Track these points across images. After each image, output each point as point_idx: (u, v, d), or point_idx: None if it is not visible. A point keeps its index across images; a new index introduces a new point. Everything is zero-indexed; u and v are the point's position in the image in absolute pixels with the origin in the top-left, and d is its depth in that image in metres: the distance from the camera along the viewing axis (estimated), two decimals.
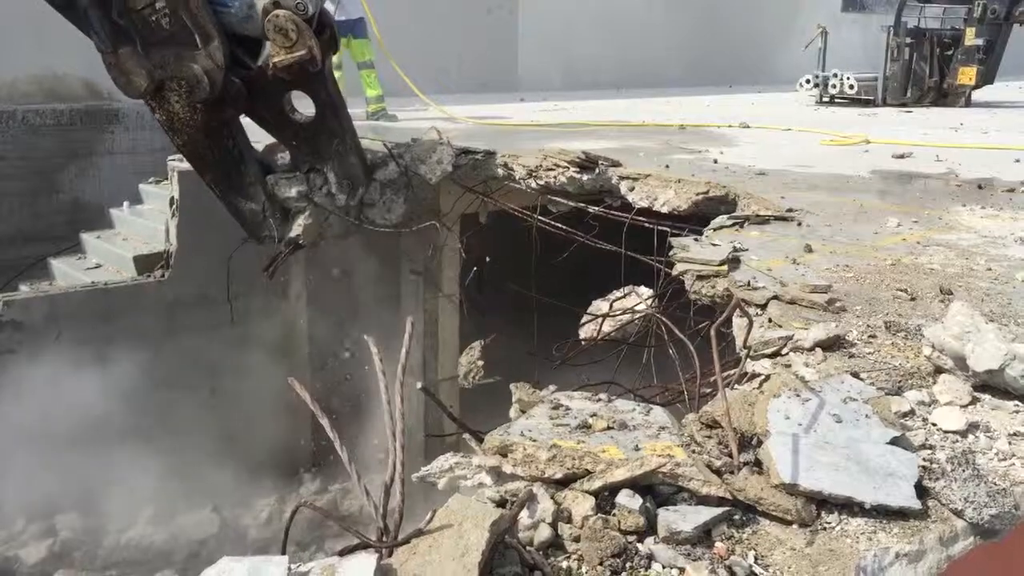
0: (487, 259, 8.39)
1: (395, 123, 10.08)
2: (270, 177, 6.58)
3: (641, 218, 6.45)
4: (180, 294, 8.13)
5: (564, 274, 7.20)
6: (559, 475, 2.30)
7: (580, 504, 2.17)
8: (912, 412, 2.76)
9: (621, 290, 5.57)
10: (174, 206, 8.03)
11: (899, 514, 2.20)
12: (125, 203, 9.62)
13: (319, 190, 6.63)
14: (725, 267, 4.36)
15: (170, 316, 8.13)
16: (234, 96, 5.81)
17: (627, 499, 2.18)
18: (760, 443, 2.42)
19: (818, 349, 3.21)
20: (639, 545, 2.09)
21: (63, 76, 10.07)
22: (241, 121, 6.32)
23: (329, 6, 9.63)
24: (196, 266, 7.99)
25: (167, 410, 8.11)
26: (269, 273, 7.42)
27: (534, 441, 2.42)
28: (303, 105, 6.27)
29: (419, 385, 2.89)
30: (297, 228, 6.78)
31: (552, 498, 2.20)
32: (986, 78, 13.57)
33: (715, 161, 7.55)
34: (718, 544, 2.10)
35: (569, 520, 2.15)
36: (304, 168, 6.55)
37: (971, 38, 13.31)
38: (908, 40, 13.42)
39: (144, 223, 9.18)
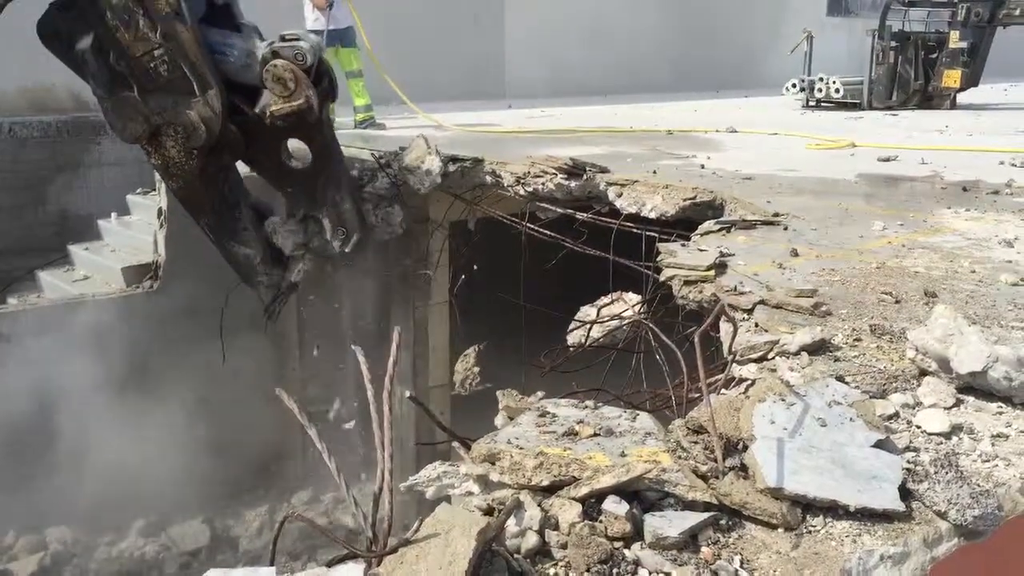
0: (475, 267, 8.41)
1: (383, 132, 10.09)
2: (268, 223, 6.59)
3: (629, 224, 6.47)
4: (169, 305, 8.12)
5: (553, 281, 7.21)
6: (546, 482, 2.31)
7: (567, 511, 2.18)
8: (896, 415, 2.78)
9: (609, 296, 5.59)
10: (162, 217, 8.03)
11: (883, 516, 2.22)
12: (113, 214, 9.61)
13: (316, 237, 6.63)
14: (712, 272, 4.38)
15: (159, 327, 8.12)
16: (231, 143, 5.85)
17: (614, 505, 2.18)
18: (746, 448, 2.44)
19: (804, 353, 3.23)
20: (626, 551, 2.10)
21: (50, 88, 10.06)
22: (236, 167, 6.35)
23: (319, 17, 9.69)
24: (185, 277, 7.99)
25: (156, 420, 8.08)
26: (269, 316, 7.40)
27: (521, 449, 2.43)
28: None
29: (408, 394, 2.90)
30: (297, 275, 6.80)
31: (539, 505, 2.21)
32: (971, 81, 13.65)
33: (702, 166, 7.59)
34: (704, 549, 2.12)
35: (556, 527, 2.16)
36: (299, 214, 6.56)
37: (955, 41, 13.39)
38: (893, 44, 13.50)
39: (132, 234, 9.17)
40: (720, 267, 4.43)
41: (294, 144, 6.25)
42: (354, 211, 6.56)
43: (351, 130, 9.94)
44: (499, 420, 3.14)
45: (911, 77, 13.58)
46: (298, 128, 5.90)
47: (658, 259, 4.76)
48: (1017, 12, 13.18)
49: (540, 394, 3.34)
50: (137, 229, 9.22)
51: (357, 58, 10.11)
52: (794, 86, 14.42)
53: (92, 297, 8.16)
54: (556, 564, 2.07)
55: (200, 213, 6.26)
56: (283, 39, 5.73)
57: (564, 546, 2.10)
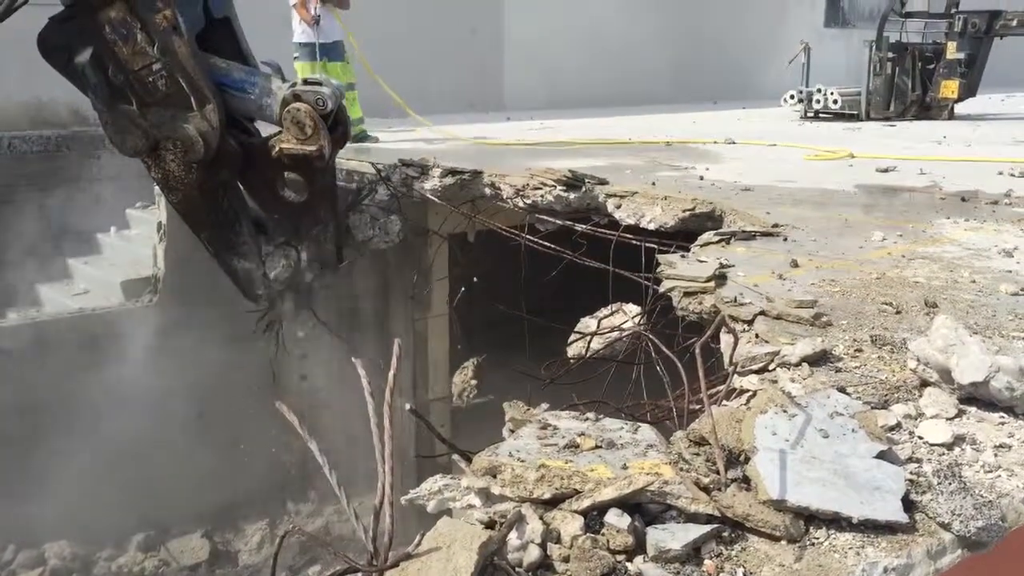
0: (475, 279, 8.41)
1: (376, 144, 10.07)
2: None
3: (628, 235, 6.48)
4: (168, 319, 8.12)
5: (553, 292, 7.21)
6: (547, 495, 2.30)
7: (569, 524, 2.17)
8: (898, 426, 2.78)
9: (609, 307, 5.59)
10: (161, 231, 8.04)
11: (887, 528, 2.21)
12: (112, 228, 9.62)
13: (286, 267, 6.66)
14: (712, 283, 4.38)
15: (158, 341, 8.11)
16: (230, 157, 5.88)
17: (616, 518, 2.18)
18: (748, 460, 2.43)
19: (804, 364, 3.22)
20: (628, 564, 2.09)
21: (48, 102, 10.08)
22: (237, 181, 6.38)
23: (306, 30, 9.69)
24: (184, 291, 7.98)
25: (156, 434, 8.07)
26: (264, 329, 7.40)
27: (522, 462, 2.42)
28: None
29: (408, 407, 2.89)
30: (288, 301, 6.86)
31: (541, 518, 2.20)
32: (968, 91, 13.69)
33: (701, 178, 7.60)
34: (707, 562, 2.11)
35: (558, 540, 2.15)
36: (278, 240, 6.56)
37: (953, 52, 13.44)
38: (890, 55, 13.54)
39: (132, 248, 9.18)
40: (720, 278, 4.43)
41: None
42: (335, 252, 6.60)
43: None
44: (506, 431, 3.14)
45: (909, 88, 13.62)
46: (303, 167, 5.94)
47: (658, 270, 4.76)
48: (1014, 23, 13.24)
49: (545, 406, 3.33)
50: (137, 243, 9.22)
51: (347, 71, 10.09)
52: (792, 97, 14.45)
53: (92, 311, 8.16)
54: None
55: (200, 227, 6.29)
56: (306, 83, 5.80)
57: (566, 559, 2.09)
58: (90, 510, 7.84)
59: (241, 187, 6.33)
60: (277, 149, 5.77)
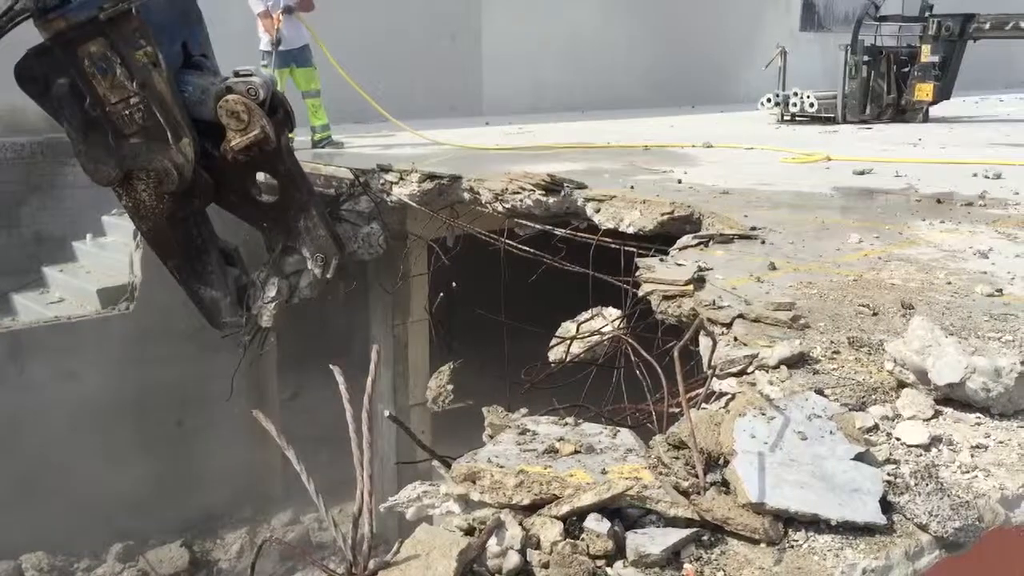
0: (454, 284, 8.39)
1: (341, 150, 10.03)
2: (253, 282, 6.66)
3: (607, 239, 6.48)
4: (145, 326, 8.06)
5: (533, 297, 7.20)
6: (527, 501, 2.29)
7: (548, 530, 2.17)
8: (876, 427, 2.79)
9: (588, 312, 5.59)
10: (138, 238, 7.97)
11: (865, 530, 2.22)
12: (88, 236, 9.53)
13: (291, 275, 6.71)
14: (691, 287, 4.39)
15: (136, 348, 8.05)
16: (202, 188, 5.94)
17: (595, 523, 2.17)
18: (727, 463, 2.43)
19: (783, 367, 3.23)
20: (608, 569, 2.08)
21: (23, 109, 9.96)
22: (207, 211, 6.38)
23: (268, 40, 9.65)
24: (161, 298, 7.92)
25: (134, 443, 8.01)
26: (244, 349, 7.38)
27: (501, 467, 2.41)
28: None
29: (387, 413, 2.88)
30: (267, 321, 6.85)
31: (520, 524, 2.19)
32: (943, 94, 13.80)
33: (679, 181, 7.62)
34: (687, 566, 2.10)
35: (538, 546, 2.14)
36: (278, 247, 6.62)
37: (927, 55, 13.54)
38: (866, 58, 13.64)
39: (108, 255, 9.10)
40: (698, 281, 4.44)
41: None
42: (328, 235, 6.62)
43: (308, 149, 9.82)
44: (485, 437, 3.13)
45: (884, 91, 13.72)
46: (260, 161, 5.99)
47: (637, 274, 4.76)
48: (987, 27, 13.36)
49: (524, 411, 3.32)
50: (112, 250, 9.14)
51: (314, 78, 10.04)
52: (769, 100, 14.52)
53: (67, 319, 8.08)
54: None
55: (168, 255, 6.36)
56: (236, 74, 5.84)
57: (546, 565, 2.09)
58: (67, 520, 7.76)
59: (225, 209, 6.36)
60: (229, 150, 5.79)
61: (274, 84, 6.05)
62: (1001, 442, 2.72)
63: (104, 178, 5.84)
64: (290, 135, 6.54)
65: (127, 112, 5.58)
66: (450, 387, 7.63)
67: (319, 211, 6.59)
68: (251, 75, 5.81)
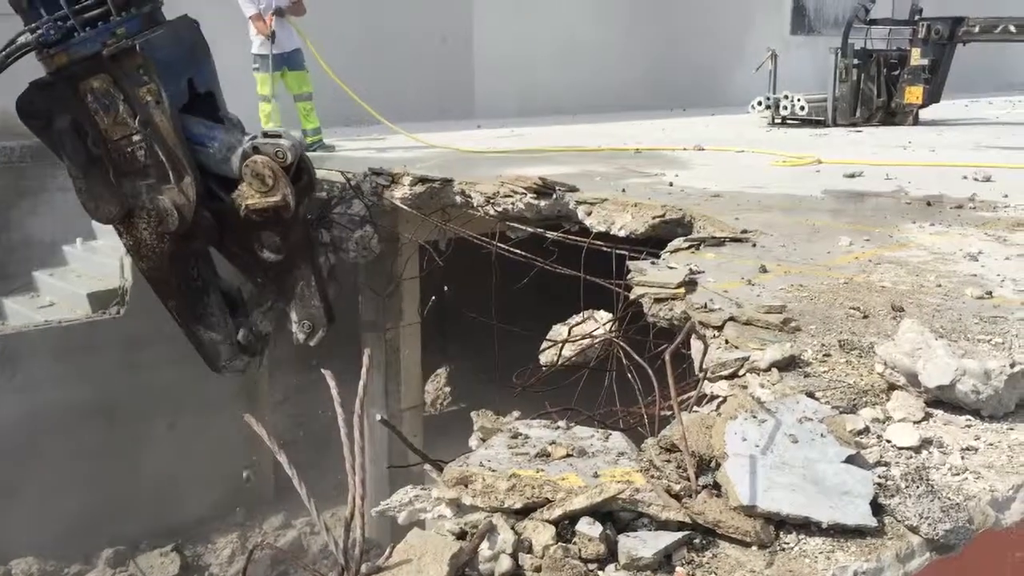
0: (446, 288, 8.39)
1: (333, 153, 10.03)
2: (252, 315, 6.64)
3: (599, 242, 6.49)
4: (136, 330, 8.03)
5: (525, 300, 7.21)
6: (519, 505, 2.29)
7: (540, 533, 2.17)
8: (867, 430, 2.80)
9: (580, 315, 5.59)
10: None
11: (856, 532, 2.22)
12: (78, 239, 9.49)
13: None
14: (682, 290, 4.39)
15: (127, 353, 8.02)
16: (204, 229, 5.85)
17: (587, 527, 2.17)
18: (718, 466, 2.44)
19: (774, 369, 3.24)
20: (600, 573, 2.09)
21: (12, 113, 9.92)
22: (209, 252, 6.33)
23: (264, 41, 9.64)
24: (152, 301, 7.89)
25: (124, 447, 7.98)
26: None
27: (493, 471, 2.41)
28: None
29: (379, 417, 2.87)
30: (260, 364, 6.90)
31: (512, 528, 2.19)
32: (932, 97, 13.86)
33: (671, 184, 7.63)
34: (679, 569, 2.11)
35: (530, 550, 2.14)
36: (267, 304, 6.55)
37: (916, 58, 13.60)
38: (856, 61, 13.69)
39: (98, 259, 9.07)
40: (690, 284, 4.45)
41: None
42: (322, 308, 6.52)
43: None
44: (474, 441, 3.13)
45: (874, 94, 13.78)
46: (273, 223, 5.90)
47: (628, 277, 4.77)
48: (976, 30, 13.42)
49: (516, 414, 3.32)
50: (103, 254, 9.11)
51: (306, 81, 10.05)
52: (760, 104, 14.57)
53: (58, 323, 8.05)
54: None
55: (168, 296, 6.25)
56: (265, 135, 5.79)
57: (538, 569, 2.09)
58: (57, 525, 7.73)
59: (219, 253, 6.30)
60: (243, 207, 5.72)
61: (302, 148, 5.92)
62: (991, 444, 2.73)
63: (105, 216, 5.78)
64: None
65: (129, 149, 5.51)
66: (447, 389, 7.63)
67: (320, 280, 6.52)
68: (280, 136, 5.74)
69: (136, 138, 5.48)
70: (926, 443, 2.71)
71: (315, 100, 10.17)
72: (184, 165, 5.55)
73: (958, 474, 2.55)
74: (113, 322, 8.12)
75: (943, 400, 2.93)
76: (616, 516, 2.26)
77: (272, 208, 5.71)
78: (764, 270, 4.72)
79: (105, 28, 5.30)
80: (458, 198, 7.58)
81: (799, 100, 13.87)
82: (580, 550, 2.13)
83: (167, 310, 6.32)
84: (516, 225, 7.24)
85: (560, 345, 5.43)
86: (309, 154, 9.67)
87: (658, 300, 4.41)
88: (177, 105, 5.58)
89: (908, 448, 2.68)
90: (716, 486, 2.36)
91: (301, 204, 5.93)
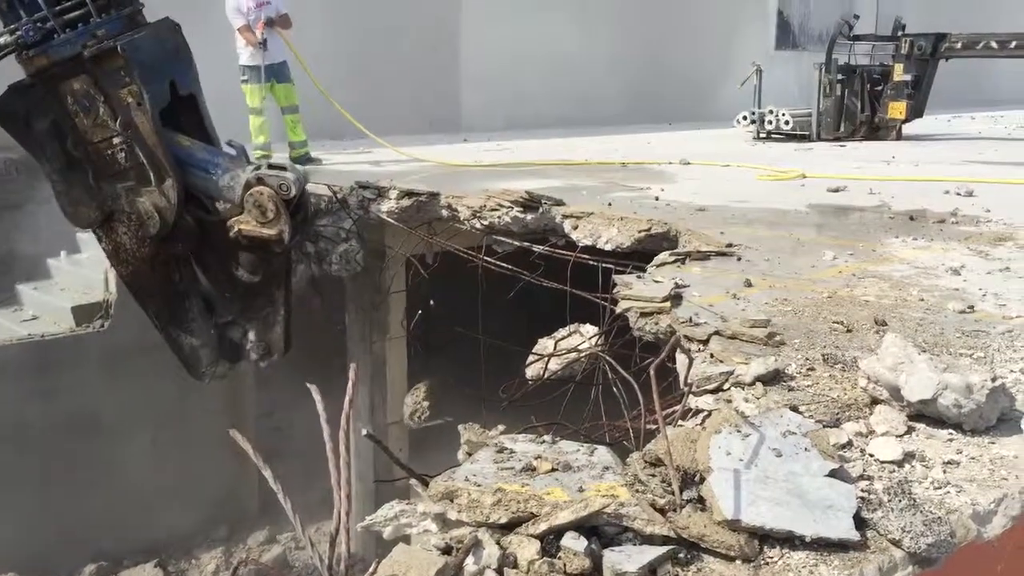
0: (432, 301, 8.39)
1: (319, 166, 10.03)
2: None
3: (585, 256, 6.51)
4: (120, 344, 7.99)
5: (512, 313, 7.22)
6: (504, 519, 2.29)
7: (525, 548, 2.17)
8: (850, 443, 2.82)
9: (566, 329, 5.60)
10: None
11: (839, 546, 2.23)
12: (62, 252, 9.44)
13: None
14: (668, 304, 4.41)
15: (110, 366, 7.98)
16: (185, 233, 5.77)
17: (572, 541, 2.18)
18: (703, 480, 2.45)
19: (758, 383, 3.26)
20: None
21: None
22: (190, 255, 6.27)
23: (254, 53, 9.64)
24: (136, 315, 7.85)
25: (108, 461, 7.93)
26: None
27: (479, 486, 2.41)
28: None
29: (364, 432, 2.87)
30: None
31: (497, 543, 2.20)
32: (915, 112, 13.99)
33: (656, 198, 7.67)
34: None
35: (515, 565, 2.15)
36: (225, 319, 6.40)
37: (900, 74, 13.74)
38: (839, 76, 13.82)
39: (82, 272, 9.02)
40: (675, 298, 4.47)
41: None
42: (283, 336, 6.43)
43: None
44: (460, 455, 3.13)
45: (858, 109, 13.90)
46: (261, 249, 5.83)
47: (614, 291, 4.78)
48: (958, 46, 13.57)
49: (501, 428, 3.33)
50: (87, 267, 9.06)
51: (293, 94, 10.06)
52: (745, 118, 14.67)
53: (41, 337, 8.00)
54: None
55: (148, 300, 6.15)
56: (271, 167, 5.69)
57: None
58: (40, 540, 7.66)
59: (193, 262, 6.23)
60: (236, 229, 5.69)
61: (305, 182, 5.85)
62: (973, 458, 2.76)
63: (84, 220, 5.69)
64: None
65: (109, 152, 5.45)
66: (426, 403, 7.61)
67: (287, 314, 6.41)
68: (285, 169, 5.68)
69: (117, 140, 5.42)
70: (909, 457, 2.73)
71: (301, 113, 10.18)
72: (165, 167, 5.48)
73: (940, 488, 2.57)
74: (97, 335, 8.07)
75: (925, 414, 2.95)
76: (601, 530, 2.27)
77: (264, 239, 5.69)
78: (749, 284, 4.75)
79: (86, 29, 5.27)
80: (444, 212, 7.59)
81: (784, 115, 13.97)
82: (565, 565, 2.13)
83: (147, 316, 6.27)
84: (502, 239, 7.26)
85: (546, 359, 5.44)
86: (297, 166, 9.69)
87: (644, 314, 4.43)
88: (158, 107, 5.55)
89: (891, 462, 2.70)
90: (701, 500, 2.37)
91: (294, 239, 5.90)
